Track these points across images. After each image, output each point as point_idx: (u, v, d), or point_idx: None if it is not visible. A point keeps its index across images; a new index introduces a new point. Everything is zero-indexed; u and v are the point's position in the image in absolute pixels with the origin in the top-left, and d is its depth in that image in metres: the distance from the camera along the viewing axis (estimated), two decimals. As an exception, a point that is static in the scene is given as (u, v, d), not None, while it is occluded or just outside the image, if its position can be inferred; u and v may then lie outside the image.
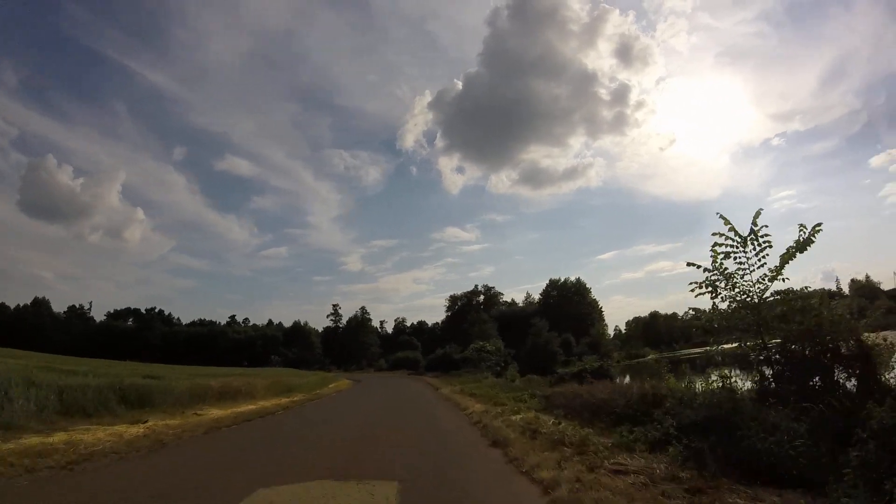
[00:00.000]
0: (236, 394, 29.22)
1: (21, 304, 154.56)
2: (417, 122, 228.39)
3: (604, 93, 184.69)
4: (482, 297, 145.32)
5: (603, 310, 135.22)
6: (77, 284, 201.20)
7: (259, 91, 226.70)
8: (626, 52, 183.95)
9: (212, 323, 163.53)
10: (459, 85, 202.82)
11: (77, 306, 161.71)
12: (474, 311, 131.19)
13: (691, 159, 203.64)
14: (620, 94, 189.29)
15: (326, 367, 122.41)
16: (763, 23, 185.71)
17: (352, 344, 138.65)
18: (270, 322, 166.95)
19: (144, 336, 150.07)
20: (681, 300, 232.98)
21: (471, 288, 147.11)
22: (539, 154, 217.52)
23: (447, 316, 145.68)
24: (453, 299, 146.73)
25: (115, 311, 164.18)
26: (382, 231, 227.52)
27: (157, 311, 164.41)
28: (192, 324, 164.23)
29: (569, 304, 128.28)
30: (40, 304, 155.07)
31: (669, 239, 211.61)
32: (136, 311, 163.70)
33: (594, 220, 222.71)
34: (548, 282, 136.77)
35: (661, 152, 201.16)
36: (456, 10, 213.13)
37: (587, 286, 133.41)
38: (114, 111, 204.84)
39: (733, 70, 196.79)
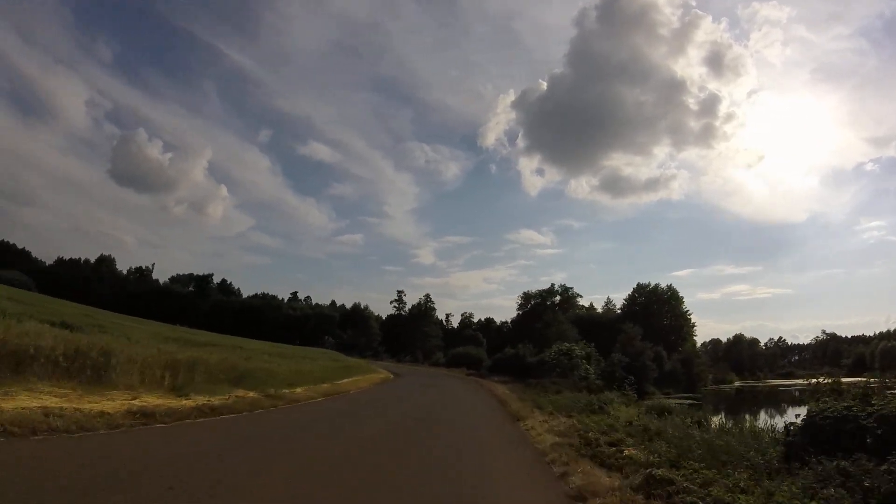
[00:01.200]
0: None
1: (83, 259, 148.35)
2: (500, 121, 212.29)
3: (692, 102, 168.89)
4: (558, 298, 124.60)
5: (695, 325, 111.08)
6: (156, 252, 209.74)
7: (342, 79, 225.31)
8: (717, 61, 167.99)
9: (272, 297, 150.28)
10: (544, 85, 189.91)
11: (143, 267, 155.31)
12: (550, 311, 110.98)
13: (778, 179, 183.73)
14: (709, 105, 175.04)
15: (380, 356, 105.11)
16: (861, 39, 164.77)
17: (412, 333, 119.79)
18: (333, 303, 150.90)
19: (196, 302, 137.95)
20: (756, 327, 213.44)
21: (548, 286, 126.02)
22: (621, 161, 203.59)
23: (518, 315, 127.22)
24: (526, 297, 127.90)
25: (178, 275, 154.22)
26: (457, 227, 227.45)
27: (220, 280, 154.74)
28: (252, 297, 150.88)
29: (658, 313, 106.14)
30: (103, 262, 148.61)
31: (749, 262, 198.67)
32: (199, 277, 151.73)
33: (672, 234, 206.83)
34: (635, 285, 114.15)
35: (748, 169, 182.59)
36: (541, 10, 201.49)
37: (680, 295, 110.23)
38: (202, 90, 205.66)
39: (828, 87, 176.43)
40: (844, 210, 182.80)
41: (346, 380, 32.12)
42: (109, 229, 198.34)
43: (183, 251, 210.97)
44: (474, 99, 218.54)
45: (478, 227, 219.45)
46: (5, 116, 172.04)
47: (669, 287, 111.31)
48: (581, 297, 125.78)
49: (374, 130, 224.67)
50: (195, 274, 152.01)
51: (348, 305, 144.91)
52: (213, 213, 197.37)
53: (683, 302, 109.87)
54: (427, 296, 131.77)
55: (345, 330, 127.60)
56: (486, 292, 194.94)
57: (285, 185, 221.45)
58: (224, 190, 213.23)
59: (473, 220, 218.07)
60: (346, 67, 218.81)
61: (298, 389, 22.14)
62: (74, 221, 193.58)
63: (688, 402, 48.23)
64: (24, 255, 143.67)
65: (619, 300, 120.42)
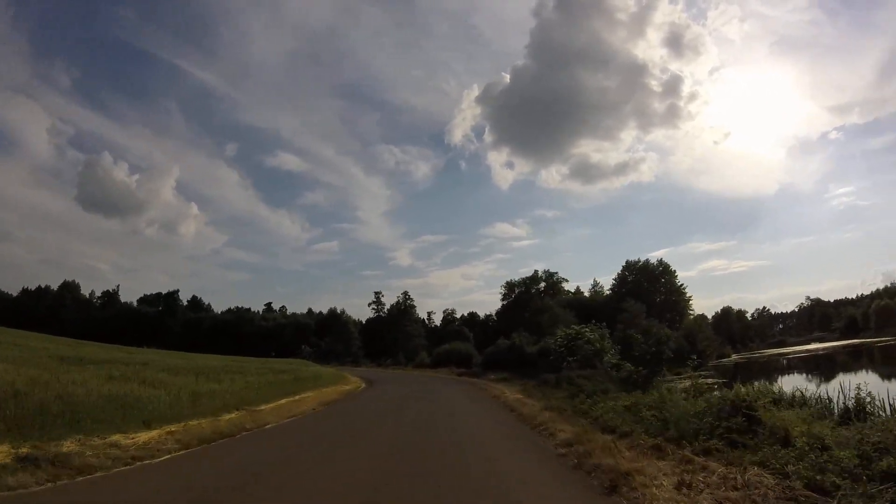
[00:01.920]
0: None
1: (44, 286, 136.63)
2: (465, 117, 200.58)
3: (655, 84, 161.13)
4: (543, 285, 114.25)
5: (691, 298, 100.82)
6: (132, 276, 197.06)
7: (306, 88, 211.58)
8: (676, 42, 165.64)
9: (245, 310, 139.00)
10: (507, 78, 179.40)
11: (111, 290, 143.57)
12: (537, 298, 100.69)
13: (746, 153, 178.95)
14: (672, 86, 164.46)
15: (359, 361, 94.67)
16: (817, 10, 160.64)
17: (392, 334, 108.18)
18: (311, 311, 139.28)
19: (165, 321, 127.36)
20: (735, 300, 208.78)
21: (529, 274, 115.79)
22: (589, 148, 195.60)
23: (503, 305, 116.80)
24: (510, 286, 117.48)
25: (146, 295, 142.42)
26: (432, 226, 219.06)
27: (191, 296, 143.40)
28: (227, 312, 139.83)
29: (651, 290, 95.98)
30: (67, 288, 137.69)
31: (723, 237, 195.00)
32: (166, 295, 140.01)
33: (646, 216, 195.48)
34: (624, 263, 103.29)
35: (715, 146, 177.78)
36: (500, 3, 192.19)
37: (672, 269, 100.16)
38: (165, 109, 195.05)
39: (788, 60, 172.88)
40: (813, 179, 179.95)
41: (282, 401, 21.34)
42: (82, 257, 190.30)
43: (159, 273, 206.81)
44: (439, 97, 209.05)
45: (452, 224, 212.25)
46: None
47: (660, 262, 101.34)
48: (567, 281, 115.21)
49: (341, 136, 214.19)
50: (162, 293, 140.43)
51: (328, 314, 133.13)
52: (186, 232, 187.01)
53: (676, 276, 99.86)
54: (405, 293, 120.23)
55: (322, 338, 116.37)
56: (465, 289, 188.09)
57: (256, 198, 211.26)
58: (195, 208, 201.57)
59: (447, 218, 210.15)
60: (309, 75, 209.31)
61: (147, 434, 11.35)
62: (45, 253, 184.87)
63: (709, 380, 39.15)
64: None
65: (604, 284, 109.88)
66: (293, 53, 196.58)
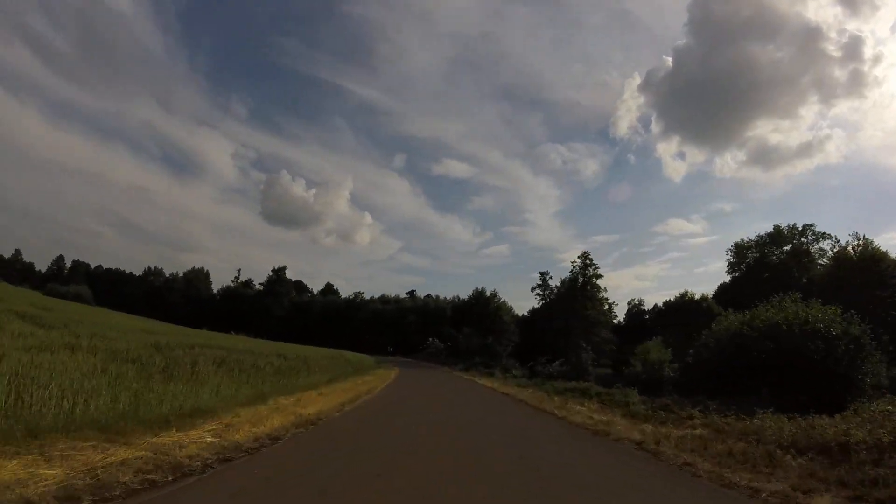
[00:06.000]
0: None
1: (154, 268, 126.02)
2: (630, 108, 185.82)
3: (832, 49, 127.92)
4: (789, 247, 69.71)
5: None
6: (310, 281, 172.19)
7: (466, 94, 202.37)
8: None
9: (362, 294, 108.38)
10: (669, 62, 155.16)
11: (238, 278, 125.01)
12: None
13: None
14: (853, 48, 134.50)
15: (496, 363, 53.34)
16: None
17: (562, 322, 63.95)
18: (458, 298, 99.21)
19: (264, 303, 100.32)
20: None
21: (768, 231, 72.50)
22: (766, 129, 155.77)
23: (731, 279, 72.22)
24: (739, 249, 72.66)
25: (268, 278, 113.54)
26: (602, 225, 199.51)
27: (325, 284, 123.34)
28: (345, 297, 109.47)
29: None
30: (191, 274, 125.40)
31: None
32: (274, 272, 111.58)
33: (836, 203, 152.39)
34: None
35: None
36: None
37: None
38: (334, 127, 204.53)
39: None
40: None
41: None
42: (267, 264, 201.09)
43: (337, 278, 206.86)
44: (601, 90, 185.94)
45: (623, 222, 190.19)
46: (162, 178, 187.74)
47: None
48: (829, 237, 68.58)
49: (505, 139, 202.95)
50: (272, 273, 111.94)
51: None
52: (361, 240, 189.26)
53: None
54: (584, 255, 72.17)
55: (460, 329, 76.21)
56: (638, 290, 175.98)
57: (427, 206, 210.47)
58: (369, 217, 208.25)
59: (618, 216, 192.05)
60: (468, 81, 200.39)
61: None
62: (235, 261, 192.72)
63: None
64: (130, 276, 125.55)
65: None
66: (450, 62, 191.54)
